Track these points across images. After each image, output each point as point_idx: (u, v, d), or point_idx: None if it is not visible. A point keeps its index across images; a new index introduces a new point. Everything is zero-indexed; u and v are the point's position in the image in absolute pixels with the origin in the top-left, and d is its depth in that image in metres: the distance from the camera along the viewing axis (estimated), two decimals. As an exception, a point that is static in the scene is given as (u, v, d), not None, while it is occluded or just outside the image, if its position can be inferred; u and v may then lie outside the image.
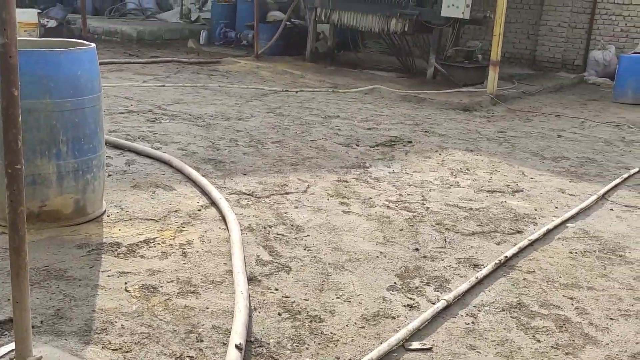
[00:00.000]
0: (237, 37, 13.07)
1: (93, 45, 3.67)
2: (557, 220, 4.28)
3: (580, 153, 6.30)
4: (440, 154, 5.94)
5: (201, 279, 3.17)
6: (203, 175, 4.71)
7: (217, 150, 5.52)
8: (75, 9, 14.80)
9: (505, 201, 4.71)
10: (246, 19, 12.77)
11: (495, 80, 8.82)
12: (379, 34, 10.95)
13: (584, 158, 6.12)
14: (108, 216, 3.85)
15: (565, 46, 11.56)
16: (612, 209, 4.70)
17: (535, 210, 4.57)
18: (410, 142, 6.30)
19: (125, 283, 3.06)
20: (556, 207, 4.65)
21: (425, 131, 6.85)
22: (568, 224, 4.30)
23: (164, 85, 8.31)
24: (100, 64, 9.78)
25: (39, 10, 13.17)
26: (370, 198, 4.59)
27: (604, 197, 4.93)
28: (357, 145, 6.06)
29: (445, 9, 9.52)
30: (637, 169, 5.71)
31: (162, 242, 3.54)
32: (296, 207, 4.28)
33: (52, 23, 13.44)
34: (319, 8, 11.01)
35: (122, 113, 6.60)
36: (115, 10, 16.14)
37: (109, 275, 3.12)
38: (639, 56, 9.54)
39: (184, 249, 3.49)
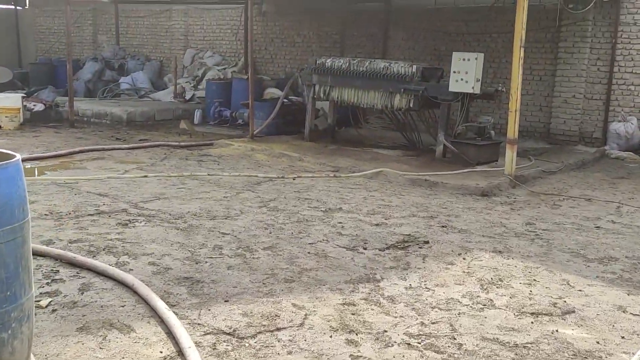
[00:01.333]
0: (232, 116, 12.42)
1: (17, 157, 2.80)
2: (632, 362, 3.28)
3: (629, 251, 5.33)
4: (464, 258, 4.98)
5: None
6: (174, 305, 3.76)
7: (197, 263, 4.58)
8: (68, 92, 14.25)
9: (557, 330, 3.71)
10: (241, 97, 12.14)
11: (513, 160, 7.96)
12: (382, 110, 10.24)
13: (635, 258, 5.14)
14: (35, 383, 2.87)
15: (582, 118, 10.81)
16: (692, 337, 3.70)
17: (598, 343, 3.56)
18: (427, 242, 5.35)
19: None
20: (622, 337, 3.64)
21: (443, 226, 5.91)
22: (646, 367, 3.30)
23: (146, 176, 7.46)
24: (81, 152, 9.17)
25: (24, 94, 12.60)
26: (385, 331, 3.61)
27: (676, 317, 3.94)
28: (365, 249, 5.12)
29: (454, 84, 8.82)
30: (703, 272, 4.73)
31: None
32: (289, 353, 3.29)
33: (39, 107, 12.83)
34: (318, 85, 10.35)
35: (91, 215, 5.70)
36: (108, 91, 15.63)
37: None
38: (668, 129, 8.73)
39: None
